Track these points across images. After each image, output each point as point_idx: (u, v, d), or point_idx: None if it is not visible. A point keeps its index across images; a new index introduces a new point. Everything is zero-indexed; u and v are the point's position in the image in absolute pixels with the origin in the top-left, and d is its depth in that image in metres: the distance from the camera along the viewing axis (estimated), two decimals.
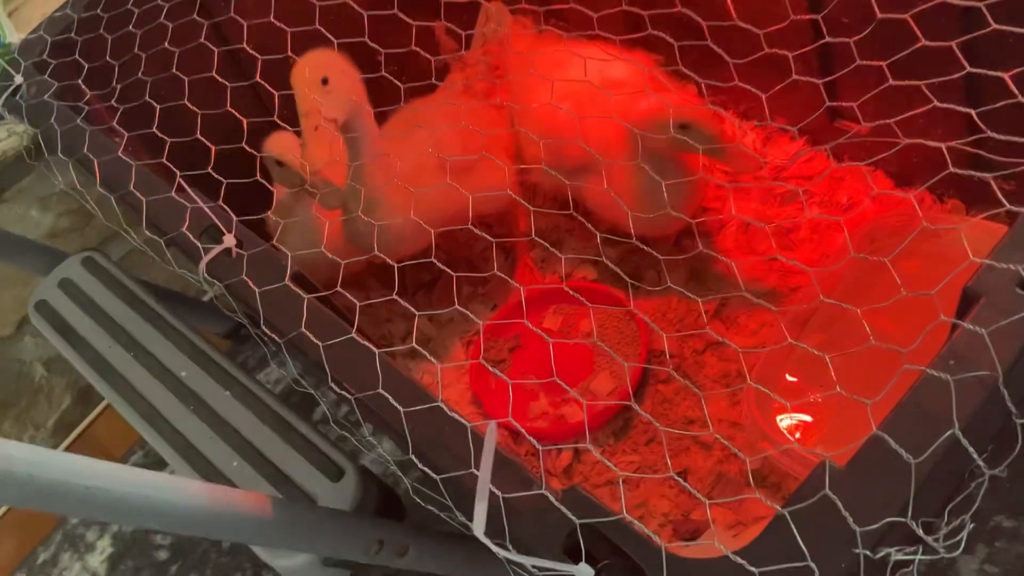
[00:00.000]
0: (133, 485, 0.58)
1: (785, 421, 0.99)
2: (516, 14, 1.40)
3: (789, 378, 1.01)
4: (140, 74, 0.96)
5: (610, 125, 0.99)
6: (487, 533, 0.52)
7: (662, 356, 1.10)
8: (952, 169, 0.60)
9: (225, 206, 0.78)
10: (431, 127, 1.01)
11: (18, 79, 1.01)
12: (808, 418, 0.99)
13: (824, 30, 0.81)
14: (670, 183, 0.92)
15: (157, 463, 1.29)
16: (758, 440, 0.95)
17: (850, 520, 0.47)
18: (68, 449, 1.42)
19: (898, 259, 1.02)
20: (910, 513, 0.47)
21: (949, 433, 0.48)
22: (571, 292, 0.70)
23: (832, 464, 0.50)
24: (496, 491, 0.54)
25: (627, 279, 0.70)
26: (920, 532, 0.46)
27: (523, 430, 0.61)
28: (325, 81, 0.87)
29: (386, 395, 0.61)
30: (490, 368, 0.63)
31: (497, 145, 1.10)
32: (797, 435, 0.97)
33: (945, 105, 0.66)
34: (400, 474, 0.64)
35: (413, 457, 0.58)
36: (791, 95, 0.96)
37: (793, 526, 0.48)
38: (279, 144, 0.98)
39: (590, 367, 1.11)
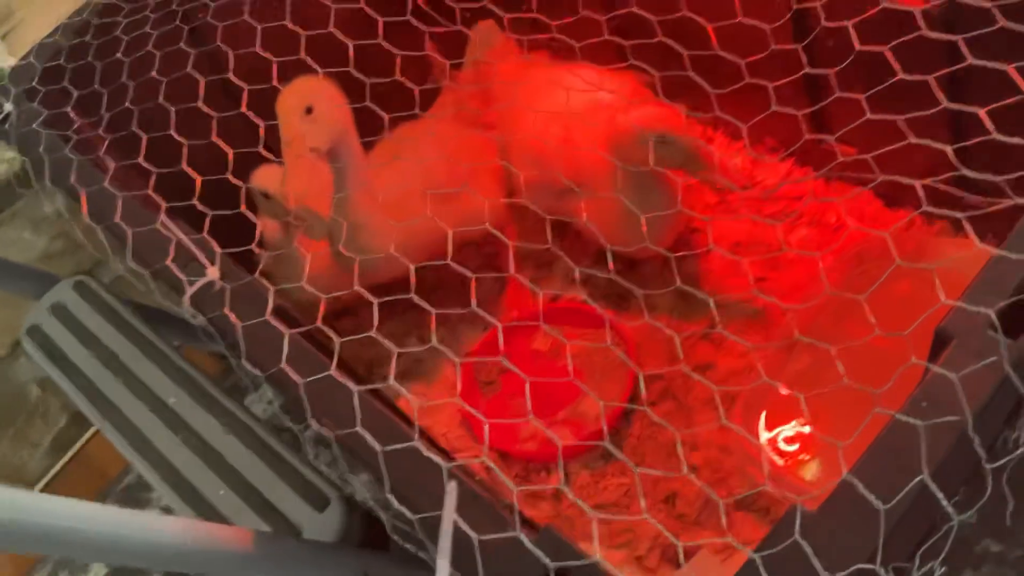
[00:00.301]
0: (112, 525, 0.59)
1: (779, 438, 0.99)
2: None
3: (783, 391, 1.01)
4: (128, 103, 0.97)
5: (598, 145, 0.99)
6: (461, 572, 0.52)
7: (651, 379, 1.11)
8: (925, 207, 0.60)
9: (210, 238, 0.79)
10: (417, 154, 1.01)
11: (8, 107, 1.01)
12: (804, 429, 0.99)
13: (804, 60, 0.81)
14: (654, 203, 0.93)
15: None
16: (747, 465, 0.96)
17: (819, 568, 0.47)
18: (64, 468, 1.43)
19: (887, 280, 1.02)
20: (879, 560, 0.47)
21: (919, 479, 0.48)
22: (549, 330, 0.70)
23: (803, 508, 0.50)
24: (471, 533, 0.54)
25: (606, 313, 0.70)
26: None
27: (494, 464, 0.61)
28: (310, 110, 0.88)
29: (363, 434, 0.61)
30: (468, 408, 0.63)
31: (485, 169, 1.10)
32: (791, 448, 0.97)
33: (922, 141, 0.66)
34: (380, 509, 0.64)
35: (390, 497, 0.58)
36: (779, 118, 0.97)
37: (764, 573, 0.48)
38: (265, 177, 0.99)
39: (578, 389, 1.11)
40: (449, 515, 0.48)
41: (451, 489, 0.49)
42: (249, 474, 0.86)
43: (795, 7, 0.98)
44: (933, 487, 0.48)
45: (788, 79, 0.85)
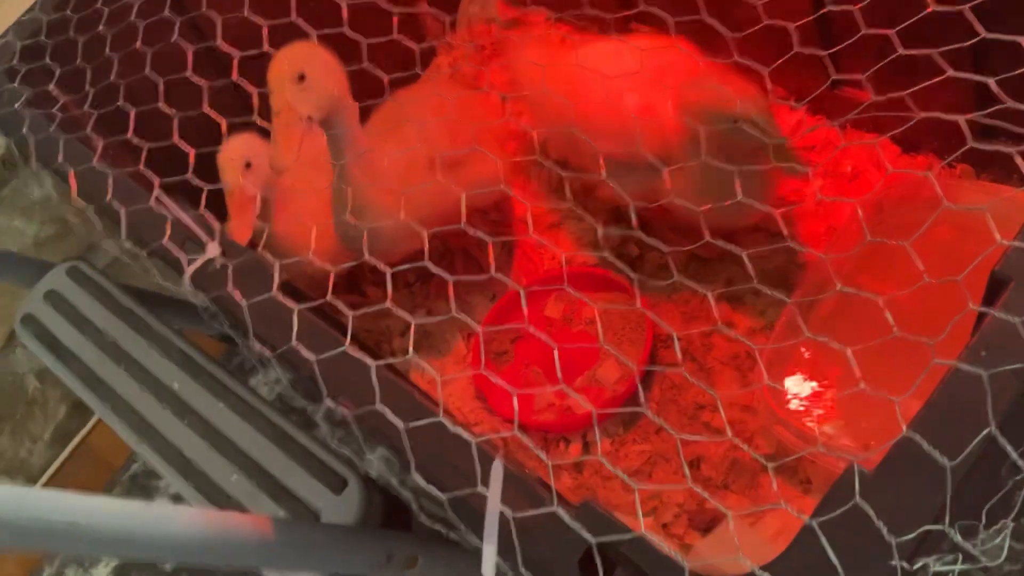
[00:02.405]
0: (121, 518, 0.55)
1: (797, 399, 0.96)
2: None
3: (804, 353, 0.98)
4: (114, 77, 0.93)
5: (667, 117, 0.93)
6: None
7: (670, 340, 1.07)
8: (972, 143, 0.57)
9: (207, 213, 0.75)
10: (418, 120, 0.97)
11: None
12: (820, 389, 0.96)
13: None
14: (746, 172, 0.86)
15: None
16: (773, 424, 0.93)
17: (884, 531, 0.44)
18: (67, 460, 1.40)
19: (930, 225, 0.98)
20: (947, 520, 0.44)
21: (986, 432, 0.45)
22: (573, 292, 0.67)
23: (861, 469, 0.47)
24: (506, 511, 0.51)
25: (630, 273, 0.66)
26: (959, 539, 0.43)
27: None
28: (302, 77, 0.83)
29: (384, 410, 0.58)
30: (493, 378, 0.60)
31: (488, 134, 1.06)
32: (814, 413, 0.94)
33: (960, 74, 0.62)
34: (402, 489, 0.61)
35: (416, 476, 0.55)
36: (792, 64, 0.93)
37: (824, 540, 0.45)
38: (246, 145, 0.93)
39: (596, 354, 1.08)
40: (495, 497, 0.44)
41: (497, 469, 0.46)
42: (261, 458, 0.82)
43: None
44: (1002, 440, 0.45)
45: (804, 20, 0.81)
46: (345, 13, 0.83)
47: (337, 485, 0.78)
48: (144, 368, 0.94)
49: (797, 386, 0.97)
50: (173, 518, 0.58)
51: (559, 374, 0.58)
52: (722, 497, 0.95)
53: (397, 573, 0.72)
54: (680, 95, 0.92)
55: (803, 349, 0.99)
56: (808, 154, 1.16)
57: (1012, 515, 0.46)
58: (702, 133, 0.84)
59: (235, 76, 0.82)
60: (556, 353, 0.56)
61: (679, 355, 1.03)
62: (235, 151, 0.91)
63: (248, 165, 0.91)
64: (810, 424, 0.93)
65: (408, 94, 1.06)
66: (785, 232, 0.63)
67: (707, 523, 0.94)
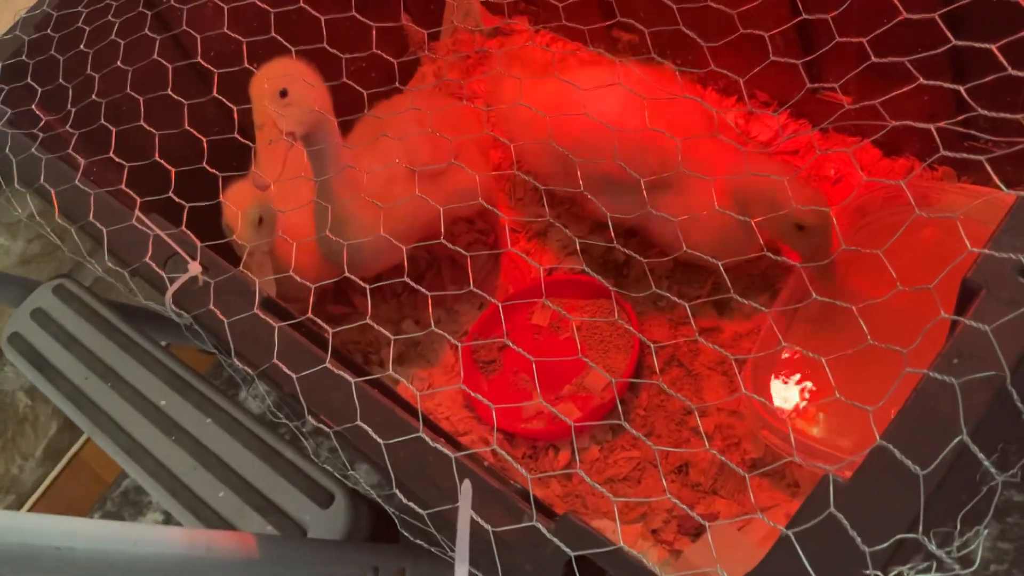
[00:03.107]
0: (106, 541, 0.56)
1: (784, 403, 0.96)
2: (484, 4, 1.36)
3: (789, 356, 0.99)
4: (95, 95, 0.93)
5: (665, 141, 0.93)
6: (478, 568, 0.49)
7: (656, 346, 1.08)
8: (943, 152, 0.57)
9: (188, 231, 0.75)
10: (397, 134, 0.97)
11: None
12: (808, 385, 0.96)
13: (801, 6, 0.78)
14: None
15: None
16: (759, 429, 0.93)
17: (858, 540, 0.44)
18: (58, 477, 1.40)
19: (913, 226, 0.99)
20: (921, 528, 0.44)
21: (957, 440, 0.45)
22: (552, 306, 0.67)
23: (836, 479, 0.47)
24: (485, 525, 0.51)
25: (612, 288, 0.67)
26: (933, 548, 0.44)
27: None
28: (284, 93, 0.83)
29: (364, 427, 0.58)
30: (472, 394, 0.60)
31: (470, 144, 1.06)
32: (799, 417, 0.95)
33: (931, 82, 0.63)
34: (385, 504, 0.61)
35: (397, 492, 0.55)
36: (772, 70, 0.93)
37: (800, 550, 0.45)
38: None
39: (582, 362, 1.08)
40: (465, 516, 0.45)
41: (466, 490, 0.46)
42: (248, 474, 0.83)
43: None
44: (974, 447, 0.45)
45: (781, 28, 0.81)
46: (324, 28, 0.84)
47: (324, 499, 0.78)
48: (131, 385, 0.94)
49: (784, 390, 0.97)
50: (157, 539, 0.58)
51: (537, 389, 0.58)
52: (710, 502, 0.96)
53: None
54: (733, 183, 0.92)
55: (786, 353, 0.99)
56: (791, 158, 1.17)
57: (985, 523, 0.46)
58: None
59: (215, 92, 0.82)
60: (535, 365, 0.56)
61: (657, 365, 1.03)
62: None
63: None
64: (797, 427, 0.94)
65: (389, 107, 1.06)
66: (762, 242, 0.63)
67: (696, 528, 0.95)
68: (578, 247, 0.71)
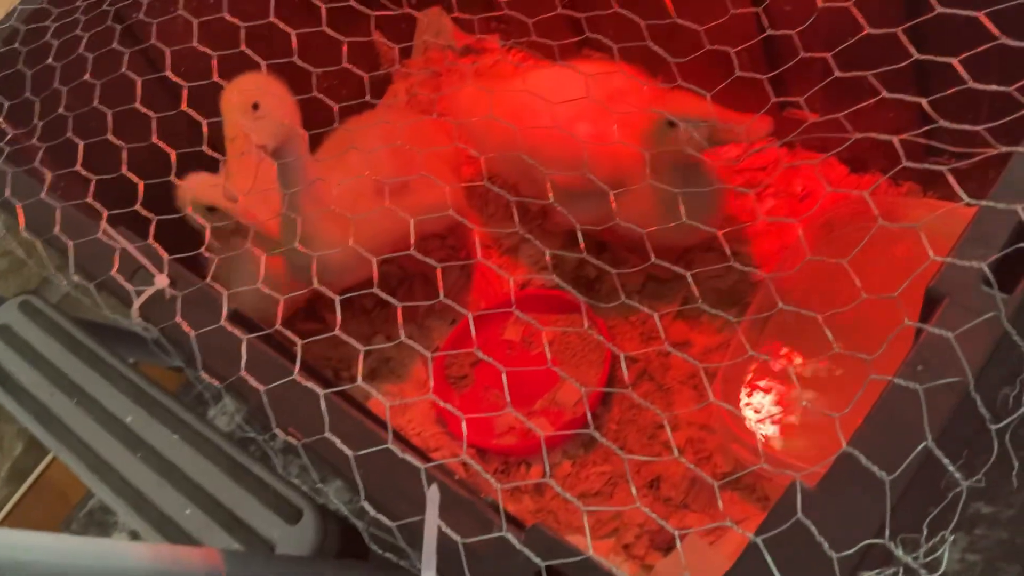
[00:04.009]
0: (70, 555, 0.54)
1: (753, 409, 0.97)
2: (456, 18, 1.37)
3: (753, 369, 0.99)
4: (63, 109, 0.92)
5: (634, 140, 0.94)
6: None
7: (628, 360, 1.08)
8: (905, 163, 0.58)
9: (156, 244, 0.75)
10: (365, 148, 0.97)
11: None
12: (777, 398, 0.97)
13: (766, 23, 0.79)
14: (691, 193, 0.88)
15: None
16: (729, 442, 0.93)
17: (826, 546, 0.44)
18: (24, 496, 1.37)
19: (885, 242, 1.00)
20: (887, 533, 0.45)
21: (922, 446, 0.46)
22: (523, 317, 0.67)
23: (803, 485, 0.48)
24: (454, 536, 0.51)
25: (583, 298, 0.67)
26: (899, 553, 0.44)
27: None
28: (256, 106, 0.83)
29: (333, 439, 0.57)
30: (441, 403, 0.60)
31: (439, 159, 1.07)
32: (769, 430, 0.95)
33: (895, 95, 0.64)
34: (355, 518, 0.61)
35: (366, 505, 0.55)
36: (738, 87, 0.94)
37: (768, 557, 0.45)
38: (203, 188, 0.93)
39: (555, 377, 1.08)
40: (432, 523, 0.44)
41: (432, 495, 0.46)
42: (215, 490, 0.81)
43: None
44: (939, 453, 0.45)
45: (747, 44, 0.82)
46: (295, 43, 0.84)
47: (292, 516, 0.77)
48: (97, 402, 0.92)
49: (753, 403, 0.98)
50: (121, 554, 0.57)
51: (507, 399, 0.58)
52: (682, 516, 0.96)
53: None
54: (629, 123, 0.93)
55: (755, 368, 1.00)
56: (758, 175, 1.18)
57: (951, 528, 0.46)
58: (647, 155, 0.85)
59: (184, 106, 0.82)
60: (505, 377, 0.56)
61: (626, 375, 1.04)
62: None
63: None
64: (765, 439, 0.94)
65: (358, 122, 1.07)
66: (728, 251, 0.64)
67: (668, 543, 0.94)
68: (549, 261, 0.71)
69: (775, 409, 0.94)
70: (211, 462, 0.83)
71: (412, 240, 0.68)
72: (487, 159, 1.04)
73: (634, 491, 0.52)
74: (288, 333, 0.66)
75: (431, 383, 1.10)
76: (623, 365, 0.96)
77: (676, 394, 1.03)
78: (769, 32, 0.76)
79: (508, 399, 0.59)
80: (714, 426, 0.98)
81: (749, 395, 0.98)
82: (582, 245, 0.64)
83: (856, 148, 1.11)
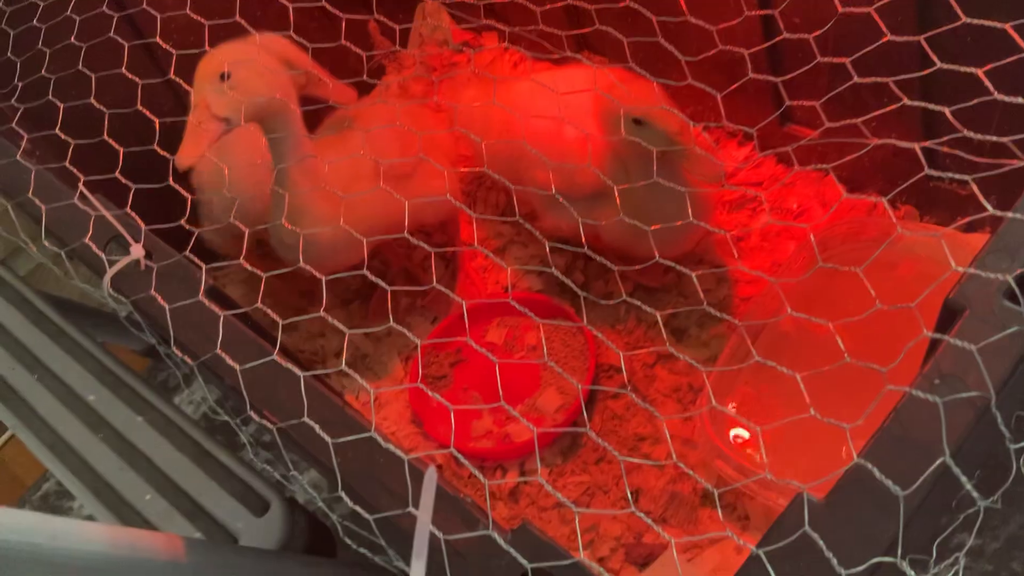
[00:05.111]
0: (19, 532, 0.51)
1: (738, 432, 0.94)
2: (454, 13, 1.34)
3: (743, 388, 0.97)
4: (45, 71, 0.88)
5: (594, 146, 0.91)
6: None
7: (611, 370, 1.05)
8: (928, 171, 0.56)
9: (133, 213, 0.71)
10: (366, 128, 0.94)
11: None
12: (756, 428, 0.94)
13: (781, 25, 0.77)
14: (668, 196, 0.84)
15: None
16: (713, 458, 0.91)
17: (834, 562, 0.42)
18: None
19: (886, 264, 0.98)
20: (899, 551, 0.42)
21: (940, 461, 0.43)
22: (518, 307, 0.64)
23: (811, 497, 0.45)
24: (437, 532, 0.48)
25: (578, 290, 0.64)
26: (911, 573, 0.42)
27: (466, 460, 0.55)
28: (224, 76, 0.81)
29: (312, 424, 0.54)
30: (430, 392, 0.56)
31: (438, 150, 1.04)
32: (750, 451, 0.93)
33: (914, 103, 0.62)
34: (328, 511, 0.57)
35: (343, 494, 0.51)
36: (740, 98, 0.92)
37: (770, 569, 0.43)
38: (232, 54, 0.87)
39: (536, 382, 1.06)
40: (427, 507, 0.41)
41: (430, 476, 0.43)
42: (178, 476, 0.77)
43: None
44: (956, 470, 0.43)
45: (755, 48, 0.80)
46: (292, 17, 0.81)
47: (259, 507, 0.73)
48: (59, 379, 0.88)
49: (739, 420, 0.95)
50: (78, 534, 0.53)
51: (500, 393, 0.55)
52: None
53: None
54: (595, 110, 0.91)
55: (743, 386, 0.98)
56: (757, 189, 1.16)
57: (965, 550, 0.44)
58: (620, 149, 0.83)
59: (172, 74, 0.79)
60: (497, 367, 0.53)
61: (625, 375, 1.01)
62: (211, 60, 0.84)
63: (224, 76, 0.83)
64: (750, 457, 0.92)
65: (359, 103, 1.04)
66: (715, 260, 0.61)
67: (644, 558, 0.92)
68: (549, 251, 0.68)
69: (756, 429, 0.91)
70: (176, 447, 0.79)
71: (406, 224, 0.65)
72: (482, 157, 1.01)
73: (628, 490, 0.49)
74: (268, 310, 0.62)
75: (412, 378, 1.06)
76: (623, 364, 0.94)
77: (660, 407, 1.01)
78: (785, 35, 0.74)
79: (501, 393, 0.56)
80: (697, 442, 0.96)
81: (736, 411, 0.96)
82: (569, 253, 0.61)
83: (854, 168, 1.10)
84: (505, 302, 1.11)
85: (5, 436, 1.32)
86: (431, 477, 0.42)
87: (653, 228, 0.77)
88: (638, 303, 0.62)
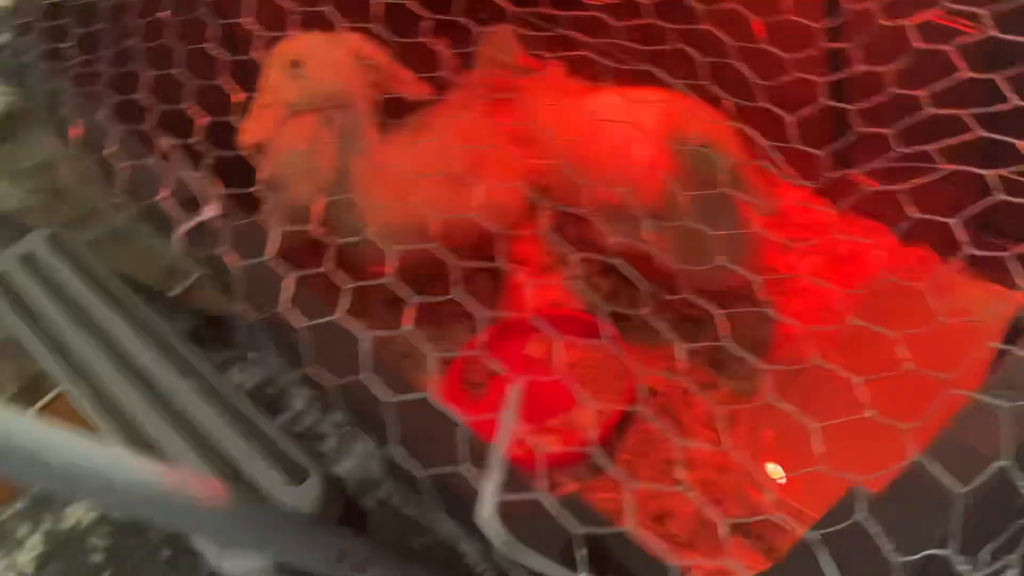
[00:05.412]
0: (84, 458, 0.52)
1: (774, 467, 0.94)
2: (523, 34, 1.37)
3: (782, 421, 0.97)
4: (132, 41, 0.91)
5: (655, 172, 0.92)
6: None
7: (648, 396, 1.05)
8: (968, 250, 0.56)
9: (210, 174, 0.73)
10: (439, 135, 0.96)
11: (3, 38, 0.96)
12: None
13: (849, 57, 0.78)
14: (724, 236, 0.85)
15: None
16: (747, 487, 0.90)
17: (889, 549, 0.42)
18: None
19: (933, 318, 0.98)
20: (956, 546, 0.42)
21: (998, 466, 0.44)
22: (546, 328, 0.65)
23: (865, 490, 0.45)
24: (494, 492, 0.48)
25: (621, 311, 0.65)
26: (965, 568, 0.42)
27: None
28: (296, 64, 0.84)
29: (373, 381, 0.55)
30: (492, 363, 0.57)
31: (510, 169, 1.05)
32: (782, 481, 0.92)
33: (950, 167, 0.63)
34: (380, 473, 0.58)
35: (397, 448, 0.52)
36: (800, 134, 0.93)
37: (821, 555, 0.43)
38: (304, 45, 0.90)
39: (572, 398, 1.06)
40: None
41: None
42: (221, 442, 0.79)
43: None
44: (1015, 473, 0.43)
45: (826, 78, 0.81)
46: (374, 10, 0.83)
47: (298, 477, 0.74)
48: (112, 341, 0.90)
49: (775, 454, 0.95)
50: (134, 466, 0.55)
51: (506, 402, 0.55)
52: (686, 556, 0.92)
53: (346, 573, 0.68)
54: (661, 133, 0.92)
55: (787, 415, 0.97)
56: (804, 233, 1.17)
57: (1016, 555, 0.44)
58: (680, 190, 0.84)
59: (251, 54, 0.82)
60: (525, 383, 0.52)
61: (647, 397, 1.01)
62: (284, 48, 0.88)
63: (295, 64, 0.86)
64: (785, 489, 0.91)
65: (433, 112, 1.07)
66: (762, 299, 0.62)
67: None
68: (598, 271, 0.69)
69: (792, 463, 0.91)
70: (220, 414, 0.81)
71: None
72: (545, 170, 1.03)
73: (668, 481, 0.49)
74: (336, 278, 0.64)
75: (450, 384, 1.07)
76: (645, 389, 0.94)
77: (696, 434, 1.01)
78: (855, 69, 0.76)
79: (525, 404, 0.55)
80: (731, 469, 0.96)
81: (777, 444, 0.95)
82: (620, 276, 0.62)
83: (908, 220, 1.10)
84: (548, 317, 1.12)
85: (41, 403, 1.33)
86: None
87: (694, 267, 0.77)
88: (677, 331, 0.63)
